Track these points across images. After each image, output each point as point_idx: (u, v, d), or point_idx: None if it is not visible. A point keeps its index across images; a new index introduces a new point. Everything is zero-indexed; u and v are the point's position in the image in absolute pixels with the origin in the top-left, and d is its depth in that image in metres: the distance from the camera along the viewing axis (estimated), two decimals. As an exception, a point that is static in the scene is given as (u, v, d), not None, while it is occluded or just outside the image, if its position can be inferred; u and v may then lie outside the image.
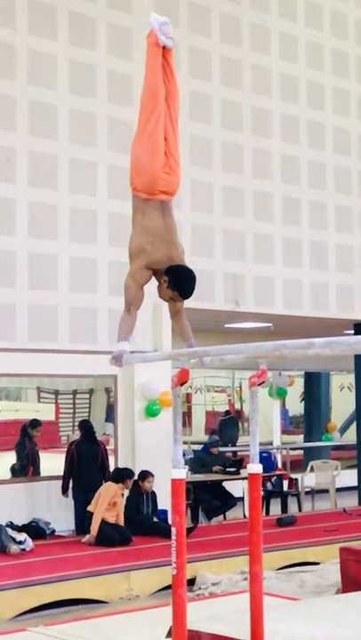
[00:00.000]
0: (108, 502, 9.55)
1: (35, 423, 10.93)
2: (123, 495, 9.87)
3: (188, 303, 11.81)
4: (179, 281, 5.28)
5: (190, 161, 11.32)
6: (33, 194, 10.05)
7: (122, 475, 9.88)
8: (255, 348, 4.96)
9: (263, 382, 5.24)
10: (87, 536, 9.44)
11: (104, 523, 9.49)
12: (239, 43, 12.02)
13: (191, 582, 8.33)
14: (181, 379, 4.90)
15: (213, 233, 11.62)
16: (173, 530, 4.86)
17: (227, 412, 19.66)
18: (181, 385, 4.95)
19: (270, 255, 12.19)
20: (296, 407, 24.22)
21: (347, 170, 13.17)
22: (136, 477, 10.17)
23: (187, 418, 24.24)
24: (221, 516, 12.35)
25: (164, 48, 5.09)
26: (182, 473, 5.00)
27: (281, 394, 17.38)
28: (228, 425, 17.68)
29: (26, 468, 10.62)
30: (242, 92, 12.01)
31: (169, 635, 5.24)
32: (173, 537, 4.84)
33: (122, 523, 9.76)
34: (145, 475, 10.10)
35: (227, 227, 11.73)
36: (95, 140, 10.59)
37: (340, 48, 13.26)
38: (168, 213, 5.24)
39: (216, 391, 27.36)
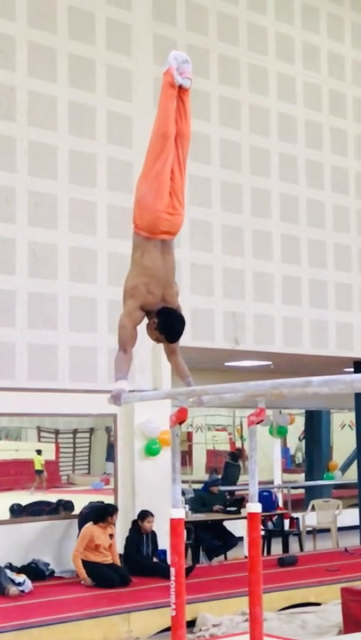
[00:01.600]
0: (87, 545, 9.43)
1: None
2: (112, 536, 9.68)
3: (187, 342, 11.85)
4: (168, 325, 5.26)
5: (190, 200, 11.35)
6: (33, 233, 10.10)
7: (101, 514, 9.66)
8: (254, 387, 4.96)
9: (262, 421, 5.24)
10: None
11: (100, 564, 9.42)
12: (237, 84, 12.16)
13: (192, 623, 8.26)
14: (180, 417, 4.90)
15: (213, 271, 11.66)
16: (172, 570, 4.83)
17: (232, 456, 19.56)
18: (180, 424, 4.95)
19: (270, 293, 12.23)
20: (297, 447, 24.18)
21: (345, 208, 13.26)
22: (136, 517, 10.11)
23: (187, 457, 24.15)
24: (222, 555, 12.25)
25: (180, 87, 5.03)
26: (181, 512, 4.98)
27: (281, 432, 17.32)
28: (230, 467, 17.59)
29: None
30: (240, 132, 12.12)
31: None
32: (172, 577, 4.81)
33: (118, 563, 9.67)
34: (145, 515, 10.04)
35: (226, 265, 11.78)
36: (95, 180, 10.66)
37: (338, 89, 13.42)
38: (168, 252, 5.24)
39: (217, 429, 27.29)
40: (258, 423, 5.29)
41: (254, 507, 5.32)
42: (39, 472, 18.27)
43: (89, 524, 9.57)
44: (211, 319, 11.55)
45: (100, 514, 9.66)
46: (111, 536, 9.66)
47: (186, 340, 11.35)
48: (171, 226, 5.15)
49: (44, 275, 10.17)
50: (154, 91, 10.24)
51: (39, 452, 19.13)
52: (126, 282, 5.23)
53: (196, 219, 11.43)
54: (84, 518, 10.03)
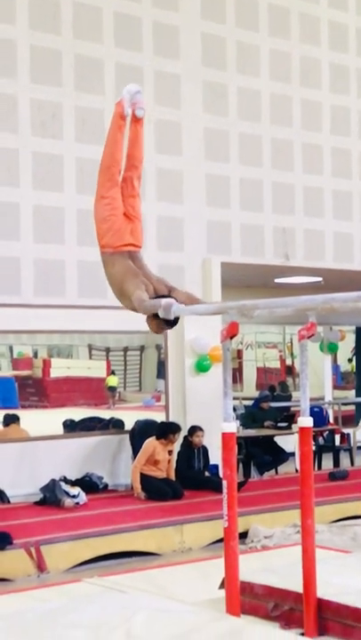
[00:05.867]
0: (147, 459, 9.57)
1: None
2: (171, 452, 9.85)
3: (237, 258, 11.77)
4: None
5: (238, 115, 11.22)
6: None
7: (164, 430, 9.81)
8: (305, 301, 4.93)
9: (313, 335, 5.21)
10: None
11: (154, 478, 9.57)
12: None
13: (244, 535, 8.38)
14: (231, 332, 4.88)
15: (262, 186, 11.51)
16: (224, 483, 4.88)
17: (282, 386, 19.67)
18: (231, 338, 4.93)
19: (320, 208, 12.05)
20: (346, 364, 24.11)
21: None
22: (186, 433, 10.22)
23: (238, 374, 24.27)
24: (273, 470, 12.37)
25: (134, 117, 5.28)
26: (233, 427, 5.00)
27: (332, 349, 17.25)
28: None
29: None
30: (290, 42, 11.82)
31: (222, 586, 5.29)
32: (225, 490, 4.86)
33: (172, 478, 9.82)
34: (193, 430, 10.13)
35: (276, 180, 11.60)
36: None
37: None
38: (137, 261, 5.44)
39: (267, 347, 27.30)
40: (309, 338, 5.27)
41: (306, 421, 5.34)
42: (112, 389, 18.58)
43: (152, 439, 9.67)
44: (261, 235, 11.45)
45: (163, 430, 9.79)
46: (170, 452, 9.81)
47: (235, 256, 11.35)
48: (134, 239, 5.44)
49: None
50: None
51: (113, 372, 19.44)
52: (114, 285, 5.41)
53: (246, 132, 11.25)
54: (135, 435, 10.17)
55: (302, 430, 5.36)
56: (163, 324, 5.14)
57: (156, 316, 5.07)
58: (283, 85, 11.71)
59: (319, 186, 12.04)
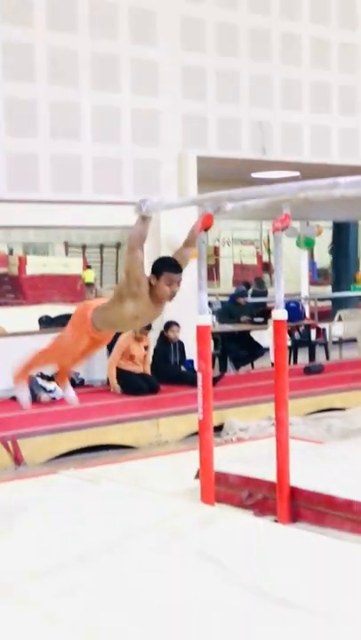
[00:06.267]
0: (123, 354, 9.61)
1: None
2: (147, 347, 9.89)
3: (213, 152, 11.59)
4: (160, 262, 5.06)
5: (217, 3, 10.89)
6: (52, 39, 9.72)
7: (159, 267, 9.78)
8: (279, 190, 4.86)
9: (287, 227, 5.17)
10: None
11: (131, 373, 9.63)
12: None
13: (219, 429, 8.49)
14: (205, 224, 4.84)
15: (239, 79, 11.26)
16: (199, 375, 4.91)
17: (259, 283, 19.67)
18: (205, 230, 4.88)
19: (298, 101, 11.83)
20: (325, 260, 24.12)
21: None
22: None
23: (214, 271, 24.29)
24: (250, 365, 12.48)
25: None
26: (207, 319, 5.01)
27: (309, 244, 17.20)
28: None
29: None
30: None
31: (197, 476, 5.37)
32: (199, 382, 4.89)
33: (148, 373, 9.88)
34: (169, 324, 10.14)
35: (253, 71, 11.34)
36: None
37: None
38: None
39: (244, 244, 27.27)
40: (283, 230, 5.22)
41: (280, 314, 5.34)
42: (89, 285, 18.46)
43: (126, 334, 9.68)
44: (237, 128, 11.25)
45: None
46: (146, 348, 9.85)
47: (212, 150, 11.18)
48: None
49: (65, 82, 9.86)
50: None
51: (89, 267, 19.27)
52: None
53: (222, 21, 10.94)
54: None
55: (277, 323, 5.36)
56: (171, 275, 4.90)
57: (158, 275, 4.87)
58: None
59: (297, 78, 11.79)
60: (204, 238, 4.94)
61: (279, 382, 5.31)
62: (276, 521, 5.19)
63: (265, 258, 26.25)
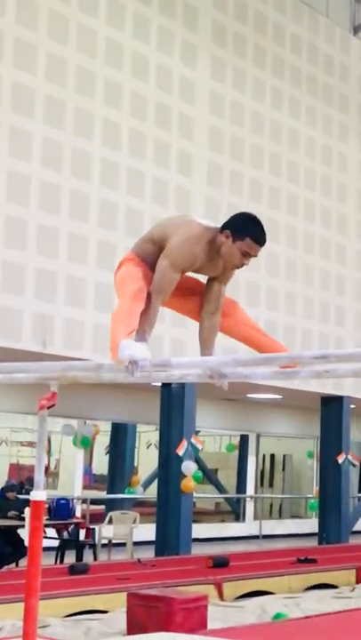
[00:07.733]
0: None
1: None
2: None
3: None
4: (244, 220, 4.23)
5: (7, 197, 11.15)
6: None
7: None
8: (46, 367, 4.81)
9: (53, 405, 5.05)
10: None
11: None
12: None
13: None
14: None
15: (24, 271, 11.38)
16: None
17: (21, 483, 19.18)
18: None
19: (82, 299, 12.06)
20: (102, 466, 24.03)
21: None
22: None
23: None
24: (14, 563, 11.93)
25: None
26: None
27: (85, 443, 17.13)
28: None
29: None
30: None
31: None
32: None
33: None
34: None
35: (39, 266, 11.51)
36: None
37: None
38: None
39: (22, 445, 26.77)
40: (49, 408, 5.11)
41: (39, 495, 5.11)
42: None
43: None
44: (20, 319, 11.27)
45: None
46: None
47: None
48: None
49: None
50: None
51: None
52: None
53: (12, 216, 11.18)
54: None
55: (34, 504, 5.12)
56: (250, 243, 4.12)
57: (235, 237, 4.14)
58: (53, 174, 11.78)
59: (83, 276, 12.08)
60: None
61: (32, 569, 5.00)
62: None
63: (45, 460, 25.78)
